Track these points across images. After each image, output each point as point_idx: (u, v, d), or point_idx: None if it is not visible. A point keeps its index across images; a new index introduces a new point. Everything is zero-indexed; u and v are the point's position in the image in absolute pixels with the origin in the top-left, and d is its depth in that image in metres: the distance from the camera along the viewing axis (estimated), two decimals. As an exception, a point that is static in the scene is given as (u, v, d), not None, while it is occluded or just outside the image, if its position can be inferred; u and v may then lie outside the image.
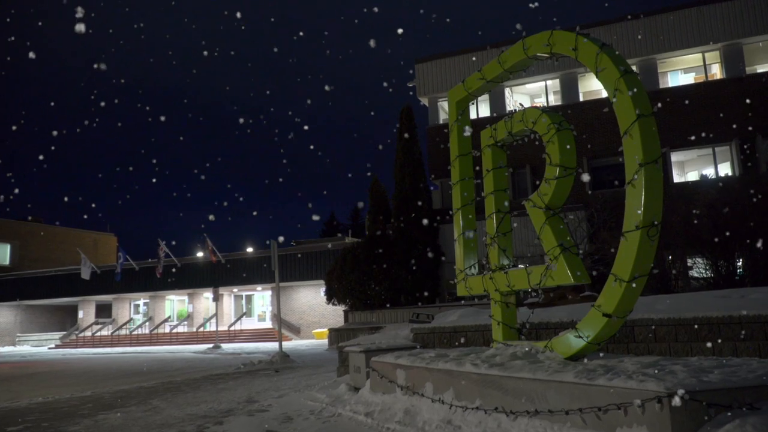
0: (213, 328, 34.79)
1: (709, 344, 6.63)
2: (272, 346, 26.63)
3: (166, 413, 8.57)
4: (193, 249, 38.61)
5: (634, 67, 10.39)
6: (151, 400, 10.05)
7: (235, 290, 38.96)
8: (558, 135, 5.60)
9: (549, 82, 26.73)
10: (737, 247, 13.49)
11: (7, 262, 46.92)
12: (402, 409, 6.34)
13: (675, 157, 24.17)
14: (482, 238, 6.90)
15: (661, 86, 24.87)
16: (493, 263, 6.59)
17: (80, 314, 42.87)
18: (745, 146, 22.57)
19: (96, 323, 41.37)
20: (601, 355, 5.35)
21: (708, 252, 13.85)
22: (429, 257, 24.48)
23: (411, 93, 28.83)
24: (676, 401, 3.56)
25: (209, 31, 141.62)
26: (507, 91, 27.08)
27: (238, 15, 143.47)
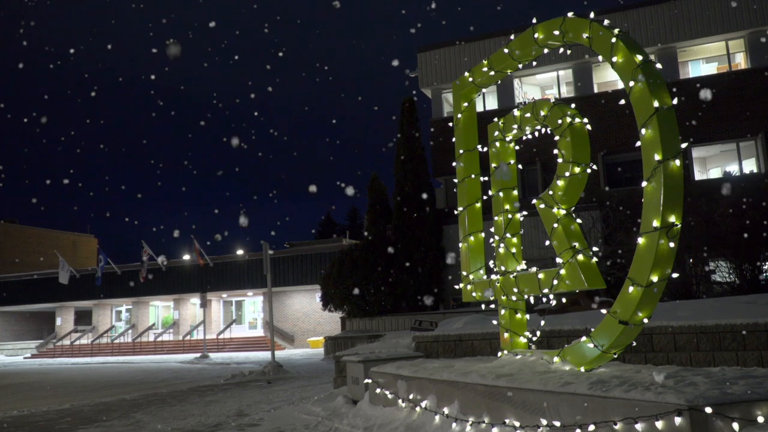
0: (200, 336, 34.77)
1: (732, 354, 6.64)
2: (264, 355, 26.65)
3: (150, 428, 8.58)
4: (180, 251, 38.62)
5: (652, 56, 10.27)
6: (134, 414, 10.06)
7: (224, 296, 38.96)
8: (571, 129, 5.60)
9: (561, 73, 26.72)
10: (763, 250, 13.49)
11: (-21, 265, 46.95)
12: (403, 423, 6.34)
13: (696, 152, 24.16)
14: (489, 240, 6.90)
15: (682, 77, 24.86)
16: (500, 267, 6.59)
17: (58, 321, 42.86)
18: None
19: (75, 331, 41.36)
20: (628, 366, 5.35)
21: (732, 254, 13.85)
22: (432, 260, 24.48)
23: (413, 86, 28.84)
24: (697, 415, 3.56)
25: (199, 24, 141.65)
26: (516, 81, 27.08)
27: (230, 6, 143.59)
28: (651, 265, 4.59)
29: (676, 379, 4.28)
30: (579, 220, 5.73)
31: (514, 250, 6.55)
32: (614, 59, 5.05)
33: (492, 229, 6.82)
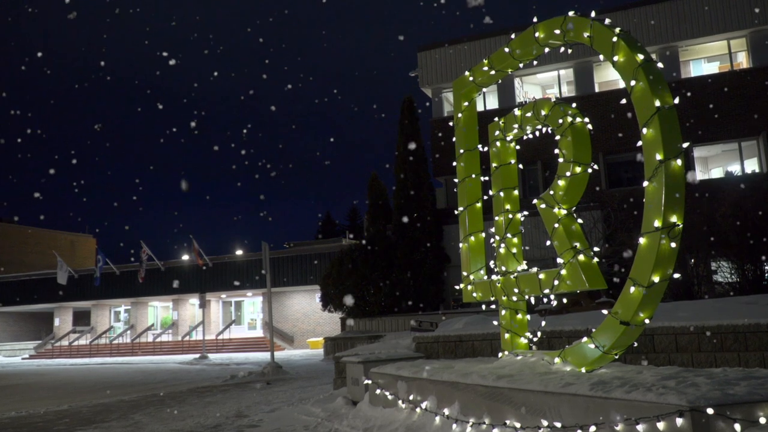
0: (199, 337, 34.78)
1: (734, 354, 6.64)
2: (263, 356, 26.65)
3: (148, 429, 8.59)
4: (179, 252, 38.66)
5: (653, 55, 10.39)
6: (133, 415, 10.07)
7: (223, 296, 38.96)
8: (572, 128, 5.60)
9: (562, 72, 26.73)
10: (766, 250, 13.48)
11: (-23, 265, 46.94)
12: (404, 424, 6.35)
13: (698, 152, 24.17)
14: (490, 240, 6.90)
15: (683, 76, 24.88)
16: (501, 267, 6.59)
17: (56, 322, 42.87)
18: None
19: (73, 332, 41.37)
20: (638, 366, 5.34)
21: (734, 255, 13.85)
22: (432, 260, 24.48)
23: (413, 85, 28.85)
24: (699, 416, 3.57)
25: (196, 21, 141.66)
26: (517, 81, 27.09)
27: (229, 5, 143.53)
28: (652, 265, 4.59)
29: (677, 380, 4.28)
30: (580, 220, 5.73)
31: (514, 250, 6.54)
32: (615, 58, 5.05)
33: (492, 229, 6.82)
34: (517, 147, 6.92)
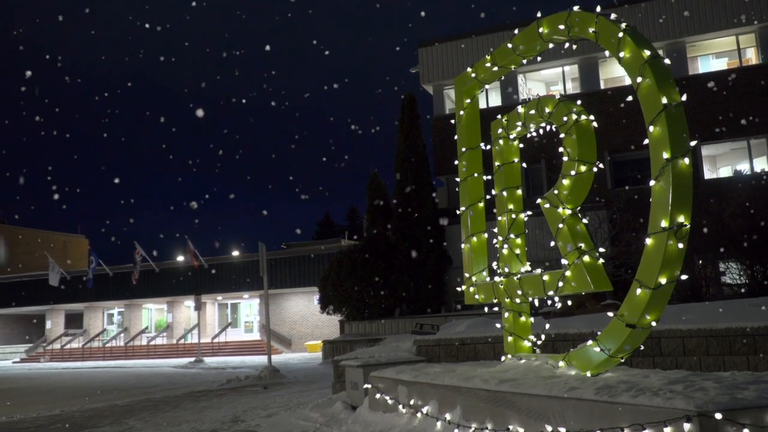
0: (195, 340, 34.79)
1: (743, 358, 6.64)
2: (260, 359, 26.65)
3: (142, 434, 8.59)
4: (173, 253, 38.64)
5: (660, 51, 10.39)
6: (127, 420, 10.07)
7: (219, 298, 38.98)
8: (576, 126, 5.59)
9: (566, 68, 26.73)
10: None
11: (-33, 266, 46.96)
12: (404, 429, 6.35)
13: (706, 150, 24.16)
14: (493, 241, 6.89)
15: (691, 72, 24.87)
16: (504, 268, 6.59)
17: (48, 325, 42.87)
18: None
19: (65, 335, 41.37)
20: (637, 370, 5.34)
21: (742, 256, 13.86)
22: (433, 262, 24.48)
23: (414, 82, 28.85)
24: (707, 421, 3.56)
25: (189, 17, 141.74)
26: (520, 77, 27.09)
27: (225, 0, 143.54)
28: (659, 266, 4.59)
29: (685, 384, 4.28)
30: (585, 220, 5.73)
31: (518, 251, 6.54)
32: (621, 55, 5.05)
33: (495, 230, 6.81)
34: (521, 145, 6.91)
